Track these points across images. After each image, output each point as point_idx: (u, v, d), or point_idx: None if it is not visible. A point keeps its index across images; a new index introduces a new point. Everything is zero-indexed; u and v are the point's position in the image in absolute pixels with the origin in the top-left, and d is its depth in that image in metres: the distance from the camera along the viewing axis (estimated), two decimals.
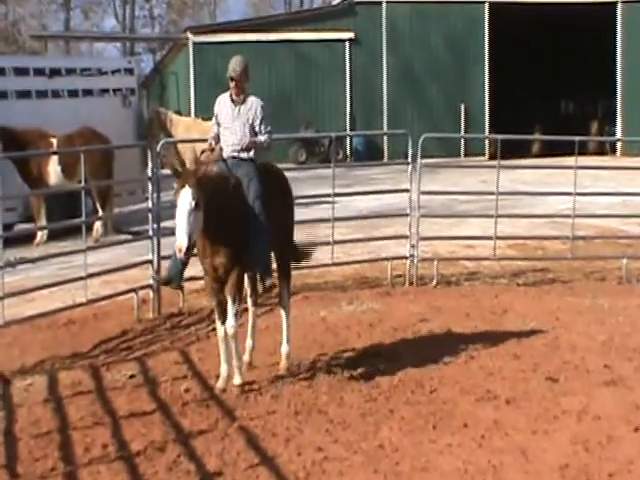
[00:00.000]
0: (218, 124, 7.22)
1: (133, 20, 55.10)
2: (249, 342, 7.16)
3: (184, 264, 7.04)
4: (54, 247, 12.45)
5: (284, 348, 7.30)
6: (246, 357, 7.23)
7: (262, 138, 7.10)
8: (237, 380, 6.79)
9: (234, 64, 7.00)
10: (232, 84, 7.06)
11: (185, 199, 6.30)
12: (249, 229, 6.77)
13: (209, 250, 6.66)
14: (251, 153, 7.10)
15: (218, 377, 6.89)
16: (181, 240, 6.26)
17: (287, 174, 7.52)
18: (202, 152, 7.25)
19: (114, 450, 5.72)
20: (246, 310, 7.54)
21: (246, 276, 7.11)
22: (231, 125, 7.10)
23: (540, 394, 6.65)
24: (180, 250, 6.25)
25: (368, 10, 30.14)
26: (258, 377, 7.07)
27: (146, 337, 8.43)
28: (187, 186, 6.32)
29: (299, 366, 7.32)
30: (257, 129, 7.09)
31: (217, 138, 7.22)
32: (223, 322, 6.79)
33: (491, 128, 29.78)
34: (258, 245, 6.84)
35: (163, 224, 9.35)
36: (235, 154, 7.07)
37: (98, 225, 13.54)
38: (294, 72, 29.85)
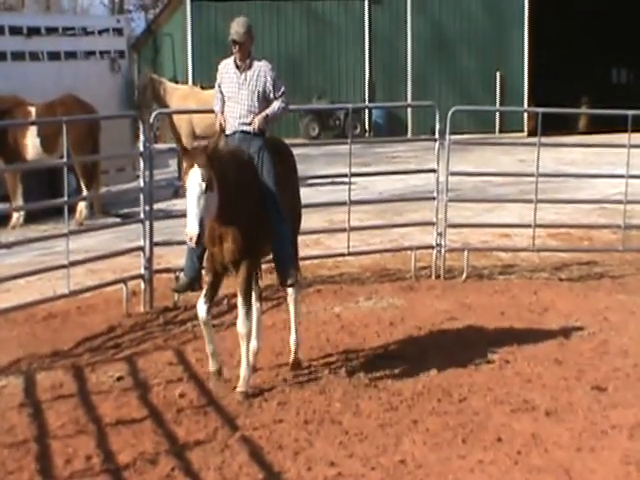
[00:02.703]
0: (222, 94, 7.22)
1: None
2: (254, 343, 7.16)
3: (200, 261, 7.02)
4: (32, 231, 12.52)
5: (292, 337, 7.46)
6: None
7: (276, 105, 7.13)
8: (242, 387, 6.79)
9: (236, 26, 7.08)
10: (235, 48, 7.11)
11: (194, 181, 6.30)
12: (266, 215, 6.82)
13: (218, 232, 6.68)
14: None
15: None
16: (191, 227, 6.27)
17: (298, 150, 7.53)
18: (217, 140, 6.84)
19: (99, 462, 5.74)
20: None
21: None
22: (237, 94, 7.12)
23: (586, 405, 6.64)
24: (191, 239, 6.27)
25: None
26: (263, 381, 7.09)
27: (136, 334, 8.46)
28: (196, 166, 6.32)
29: (310, 369, 7.34)
30: (270, 95, 7.12)
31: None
32: (205, 302, 6.77)
33: (531, 100, 29.66)
34: (281, 238, 6.91)
35: (156, 206, 9.36)
36: (243, 127, 7.07)
37: (82, 206, 13.58)
38: (306, 34, 29.80)
